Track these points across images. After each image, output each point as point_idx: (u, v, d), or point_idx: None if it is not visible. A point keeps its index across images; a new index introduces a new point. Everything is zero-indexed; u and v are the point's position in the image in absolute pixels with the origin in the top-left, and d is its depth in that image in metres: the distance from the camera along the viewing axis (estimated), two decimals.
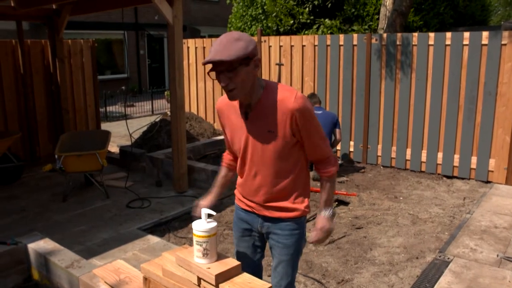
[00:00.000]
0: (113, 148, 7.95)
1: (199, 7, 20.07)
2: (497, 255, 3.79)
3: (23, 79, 6.84)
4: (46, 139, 7.25)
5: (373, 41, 6.48)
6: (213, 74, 1.85)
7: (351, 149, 6.91)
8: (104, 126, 9.74)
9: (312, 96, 6.28)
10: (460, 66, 5.82)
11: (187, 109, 8.52)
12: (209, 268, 1.83)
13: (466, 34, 5.72)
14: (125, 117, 8.61)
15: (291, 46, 7.31)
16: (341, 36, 6.77)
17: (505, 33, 5.47)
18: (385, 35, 6.46)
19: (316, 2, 9.49)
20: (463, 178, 5.99)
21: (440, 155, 6.13)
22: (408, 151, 6.39)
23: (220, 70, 1.81)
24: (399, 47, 6.27)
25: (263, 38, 7.63)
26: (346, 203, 5.14)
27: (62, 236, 4.19)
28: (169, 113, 8.23)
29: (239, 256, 2.26)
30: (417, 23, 9.23)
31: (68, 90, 7.32)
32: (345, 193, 5.41)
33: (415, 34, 6.17)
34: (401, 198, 5.36)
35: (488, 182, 5.83)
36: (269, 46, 7.57)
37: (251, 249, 2.23)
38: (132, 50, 18.02)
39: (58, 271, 3.12)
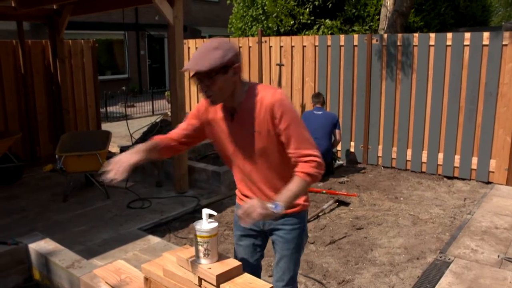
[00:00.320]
0: (114, 148, 7.95)
1: (199, 7, 20.08)
2: (498, 256, 3.79)
3: (23, 79, 6.84)
4: (47, 139, 7.25)
5: (374, 41, 6.48)
6: (195, 79, 1.90)
7: (352, 149, 6.91)
8: (105, 126, 9.74)
9: (317, 95, 6.28)
10: (461, 67, 5.81)
11: (187, 109, 8.51)
12: (210, 268, 1.83)
13: (467, 35, 5.72)
14: (125, 117, 8.62)
15: (292, 46, 7.31)
16: (342, 37, 6.77)
17: (506, 34, 5.47)
18: (385, 35, 6.45)
19: (316, 3, 9.50)
20: (463, 179, 5.99)
21: (440, 155, 6.12)
22: (409, 152, 6.38)
23: (199, 78, 1.87)
24: (400, 47, 6.27)
25: (263, 39, 7.63)
26: (346, 204, 5.13)
27: (63, 236, 4.18)
28: (169, 113, 8.24)
29: (238, 255, 2.27)
30: (417, 24, 9.23)
31: (68, 90, 7.32)
32: (345, 193, 5.41)
33: (416, 34, 6.17)
34: (401, 198, 5.36)
35: (488, 182, 5.82)
36: (270, 47, 7.57)
37: (251, 249, 2.25)
38: (133, 50, 18.03)
39: (59, 271, 3.12)
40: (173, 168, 5.54)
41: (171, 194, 5.47)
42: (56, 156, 5.21)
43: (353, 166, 6.71)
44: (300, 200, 2.10)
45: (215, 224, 1.87)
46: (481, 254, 3.83)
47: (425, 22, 9.37)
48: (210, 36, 18.76)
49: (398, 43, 6.27)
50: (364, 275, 3.58)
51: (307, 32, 9.52)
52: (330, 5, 9.43)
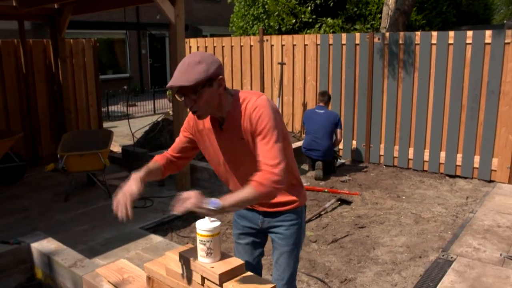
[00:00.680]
0: (115, 147, 7.95)
1: (201, 6, 20.07)
2: (500, 254, 3.78)
3: (25, 79, 6.84)
4: (48, 139, 7.25)
5: (376, 40, 6.47)
6: (179, 95, 1.87)
7: (354, 148, 6.90)
8: (106, 125, 9.76)
9: (322, 93, 6.27)
10: (463, 65, 5.80)
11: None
12: (212, 267, 1.83)
13: (469, 33, 5.70)
14: (127, 116, 8.61)
15: (293, 45, 7.30)
16: (344, 35, 6.76)
17: (508, 32, 5.45)
18: (387, 34, 6.44)
19: (318, 1, 9.49)
20: (466, 177, 5.97)
21: (443, 154, 6.11)
22: (411, 150, 6.37)
23: (184, 93, 1.84)
24: (402, 46, 6.25)
25: (265, 38, 7.62)
26: (348, 202, 5.13)
27: (65, 236, 4.18)
28: (171, 112, 8.24)
29: (238, 253, 2.28)
30: (419, 22, 9.22)
31: (70, 89, 7.32)
32: (347, 192, 5.40)
33: (418, 33, 6.15)
34: (403, 197, 5.35)
35: (491, 181, 5.81)
36: (271, 46, 7.56)
37: (251, 246, 2.26)
38: (134, 49, 18.03)
39: (62, 271, 3.12)
40: None
41: (173, 193, 5.47)
42: (58, 156, 5.22)
43: (355, 165, 6.70)
44: (298, 196, 2.12)
45: (218, 223, 1.86)
46: (484, 253, 3.83)
47: (427, 21, 9.35)
48: (211, 35, 18.76)
49: (400, 42, 6.26)
50: (367, 273, 3.57)
51: (308, 31, 9.50)
52: (331, 3, 9.42)
